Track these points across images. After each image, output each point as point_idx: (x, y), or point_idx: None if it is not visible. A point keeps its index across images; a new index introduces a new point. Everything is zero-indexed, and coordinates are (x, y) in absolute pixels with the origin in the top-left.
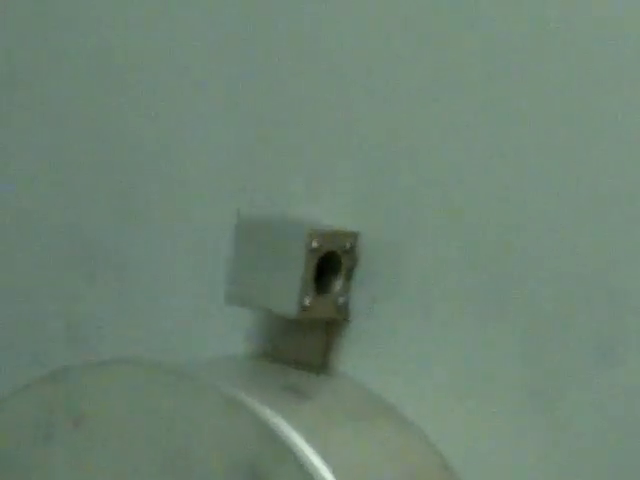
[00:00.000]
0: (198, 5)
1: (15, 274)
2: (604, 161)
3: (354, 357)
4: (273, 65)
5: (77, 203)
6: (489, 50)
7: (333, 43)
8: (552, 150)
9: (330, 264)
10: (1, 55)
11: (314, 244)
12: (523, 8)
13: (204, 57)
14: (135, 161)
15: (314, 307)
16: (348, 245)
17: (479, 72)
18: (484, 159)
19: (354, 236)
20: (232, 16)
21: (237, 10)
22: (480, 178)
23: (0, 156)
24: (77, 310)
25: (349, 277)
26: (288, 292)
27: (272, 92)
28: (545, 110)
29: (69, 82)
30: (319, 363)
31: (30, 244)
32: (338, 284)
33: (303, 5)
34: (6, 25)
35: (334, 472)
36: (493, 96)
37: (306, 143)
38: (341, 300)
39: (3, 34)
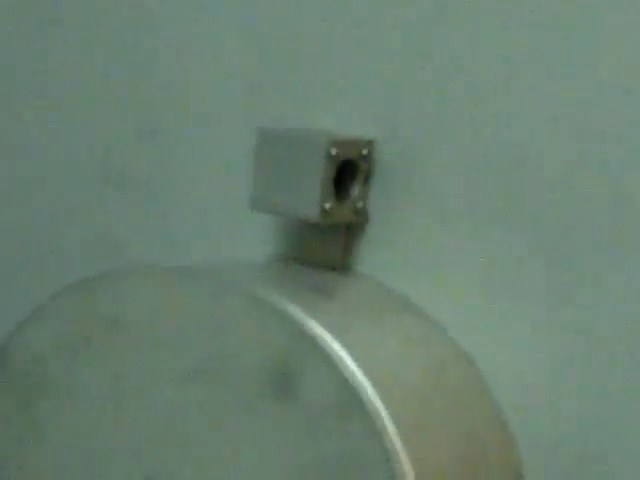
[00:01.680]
0: None
1: (49, 196)
2: (610, 89)
3: (373, 258)
4: None
5: (106, 125)
6: None
7: None
8: (564, 77)
9: (349, 170)
10: None
11: (333, 151)
12: None
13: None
14: (162, 83)
15: (334, 211)
16: (365, 152)
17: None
18: (500, 78)
19: (371, 143)
20: None
21: None
22: (496, 94)
23: (36, 84)
24: (108, 220)
25: (367, 183)
26: (309, 197)
27: (291, 13)
28: (549, 39)
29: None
30: (340, 265)
31: (63, 164)
32: (356, 189)
33: None
34: None
35: (360, 365)
36: (509, 22)
37: (324, 57)
38: (359, 204)
39: None
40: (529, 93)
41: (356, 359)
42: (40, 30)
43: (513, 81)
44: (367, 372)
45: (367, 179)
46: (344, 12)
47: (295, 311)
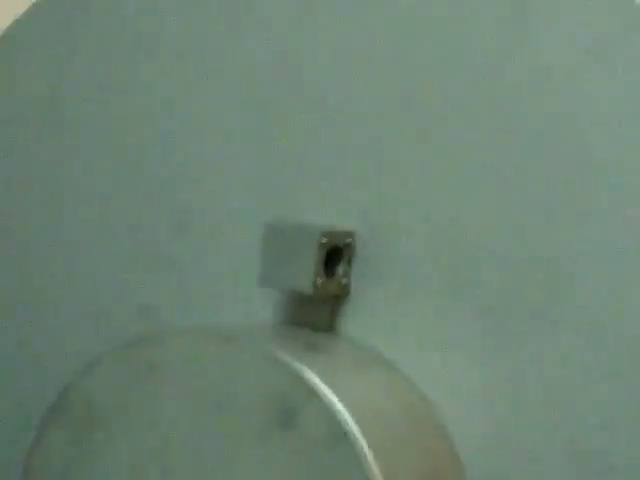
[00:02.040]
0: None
1: (98, 273)
2: (532, 166)
3: (353, 323)
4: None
5: (141, 220)
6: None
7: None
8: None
9: (335, 255)
10: None
11: (323, 240)
12: None
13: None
14: (183, 184)
15: (324, 286)
16: (348, 241)
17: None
18: (444, 183)
19: (352, 234)
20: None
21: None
22: (438, 197)
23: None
24: (148, 298)
25: (349, 264)
26: (305, 275)
27: (285, 130)
28: (478, 116)
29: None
30: (328, 328)
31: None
32: (341, 269)
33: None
34: None
35: (348, 407)
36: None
37: (315, 166)
38: (344, 280)
39: None
40: (468, 199)
41: (342, 400)
42: (56, 134)
43: (453, 193)
44: (351, 410)
45: (349, 261)
46: (329, 132)
47: (294, 363)
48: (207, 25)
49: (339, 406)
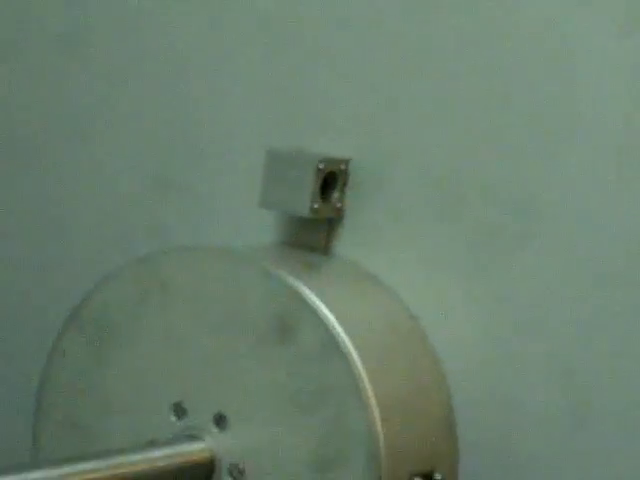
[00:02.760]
0: None
1: (118, 198)
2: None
3: (347, 245)
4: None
5: (158, 144)
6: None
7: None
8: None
9: (331, 180)
10: None
11: (320, 166)
12: None
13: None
14: (191, 113)
15: (320, 209)
16: (343, 167)
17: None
18: (445, 117)
19: (347, 161)
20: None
21: None
22: (429, 129)
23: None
24: (159, 219)
25: (343, 189)
26: (303, 199)
27: (290, 60)
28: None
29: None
30: (323, 248)
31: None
32: (336, 194)
33: None
34: None
35: (341, 321)
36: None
37: (317, 94)
38: (338, 205)
39: None
40: (453, 135)
41: (335, 315)
42: (71, 77)
43: (444, 121)
44: (343, 324)
45: (344, 186)
46: (330, 64)
47: (292, 280)
48: None
49: (332, 320)
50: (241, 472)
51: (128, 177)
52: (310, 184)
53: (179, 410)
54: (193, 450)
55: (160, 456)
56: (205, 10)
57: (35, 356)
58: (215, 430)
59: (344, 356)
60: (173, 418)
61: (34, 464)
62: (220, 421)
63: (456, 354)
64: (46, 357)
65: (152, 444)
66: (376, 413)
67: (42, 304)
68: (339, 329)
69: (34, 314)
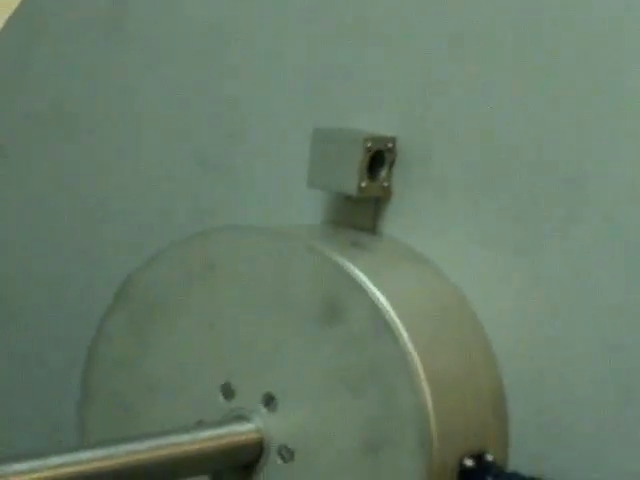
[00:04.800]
0: None
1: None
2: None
3: (394, 224)
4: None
5: (198, 127)
6: None
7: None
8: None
9: (378, 159)
10: None
11: (368, 145)
12: None
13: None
14: (235, 92)
15: (367, 188)
16: (390, 145)
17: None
18: (486, 97)
19: (394, 139)
20: None
21: None
22: (476, 109)
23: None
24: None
25: (391, 168)
26: (350, 177)
27: (337, 42)
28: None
29: None
30: (370, 228)
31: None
32: (383, 172)
33: None
34: None
35: (391, 300)
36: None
37: (363, 71)
38: (385, 184)
39: None
40: (500, 111)
41: (385, 294)
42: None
43: (492, 101)
44: (393, 304)
45: (391, 165)
46: (376, 42)
47: (341, 259)
48: None
49: (382, 299)
50: (291, 453)
51: (173, 158)
52: (357, 162)
53: (227, 391)
54: (242, 431)
55: (208, 437)
56: None
57: (81, 338)
58: (264, 411)
59: (394, 336)
60: (221, 399)
61: (82, 445)
62: (269, 402)
63: (506, 333)
64: (91, 339)
65: (200, 425)
66: (427, 394)
67: (88, 286)
68: (389, 309)
69: (80, 296)
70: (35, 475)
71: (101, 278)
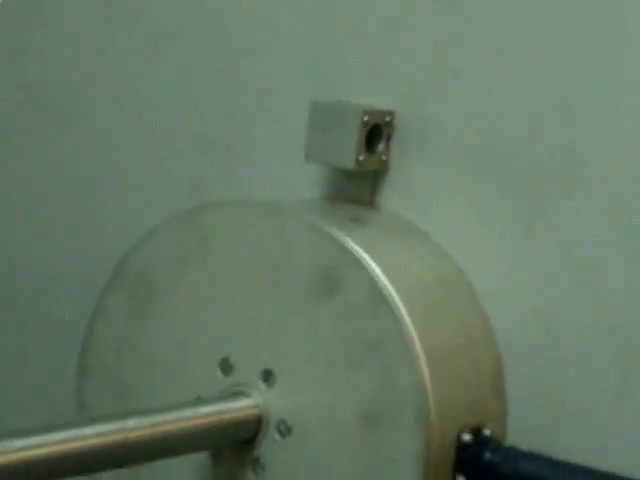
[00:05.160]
0: None
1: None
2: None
3: (392, 199)
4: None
5: (197, 104)
6: None
7: None
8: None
9: (376, 132)
10: None
11: (365, 118)
12: None
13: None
14: (233, 70)
15: (365, 162)
16: (388, 119)
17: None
18: (491, 79)
19: (392, 113)
20: None
21: None
22: (484, 91)
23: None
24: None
25: (388, 142)
26: (348, 151)
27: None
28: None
29: None
30: (368, 202)
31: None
32: (381, 146)
33: None
34: None
35: (388, 273)
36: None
37: (361, 50)
38: (383, 157)
39: None
40: (507, 92)
41: (382, 268)
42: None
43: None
44: (390, 277)
45: (389, 139)
46: (375, 16)
47: (338, 233)
48: None
49: (380, 273)
50: (289, 428)
51: (172, 137)
52: (355, 136)
53: (225, 366)
54: (241, 406)
55: (207, 413)
56: None
57: (80, 315)
58: (262, 386)
59: (392, 310)
60: (219, 375)
61: (81, 420)
62: (267, 377)
63: (503, 308)
64: (90, 316)
65: (199, 401)
66: (424, 368)
67: (86, 262)
68: (386, 282)
69: (78, 272)
70: (35, 450)
71: (100, 254)
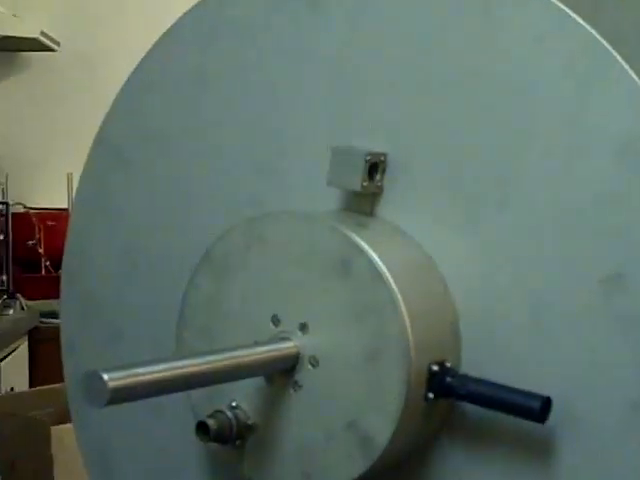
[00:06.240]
0: None
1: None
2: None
3: (385, 210)
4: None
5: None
6: None
7: None
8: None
9: (375, 166)
10: None
11: (367, 158)
12: None
13: None
14: (281, 127)
15: (368, 186)
16: (382, 159)
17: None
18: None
19: (385, 155)
20: None
21: None
22: (441, 133)
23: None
24: (259, 194)
25: (383, 173)
26: (356, 179)
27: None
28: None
29: None
30: (369, 213)
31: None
32: (378, 176)
33: None
34: None
35: (384, 260)
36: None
37: (366, 117)
38: (379, 183)
39: None
40: (457, 136)
41: (380, 256)
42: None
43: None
44: (385, 262)
45: (383, 171)
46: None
47: (350, 233)
48: None
49: (377, 259)
50: (317, 361)
51: (240, 169)
52: (361, 170)
53: (275, 320)
54: (285, 347)
55: (263, 351)
56: None
57: (175, 291)
58: (299, 334)
59: (385, 285)
60: (271, 326)
61: (181, 356)
62: (303, 327)
63: (460, 284)
64: (185, 289)
65: (257, 344)
66: (407, 323)
67: (182, 251)
68: (382, 266)
69: (177, 258)
70: (155, 374)
71: (192, 247)
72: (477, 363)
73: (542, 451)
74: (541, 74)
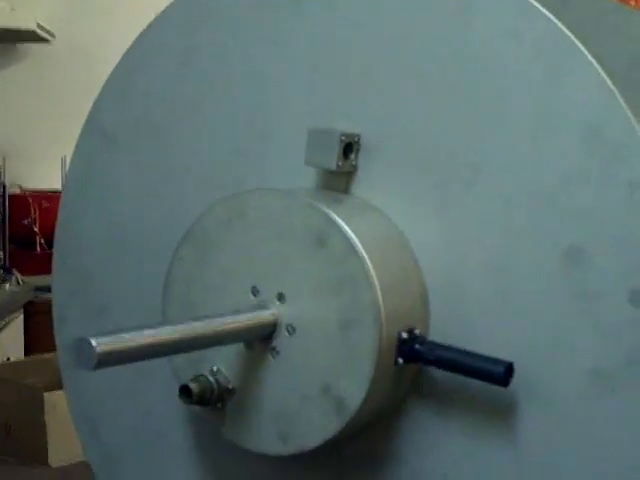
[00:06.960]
0: None
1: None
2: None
3: (359, 188)
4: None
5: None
6: None
7: None
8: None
9: (349, 146)
10: None
11: (342, 138)
12: None
13: None
14: (269, 118)
15: (343, 165)
16: (357, 139)
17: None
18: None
19: (358, 135)
20: None
21: None
22: (413, 116)
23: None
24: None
25: (357, 152)
26: (332, 158)
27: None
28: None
29: None
30: (344, 190)
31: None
32: (352, 155)
33: None
34: None
35: (357, 234)
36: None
37: (342, 94)
38: (353, 162)
39: None
40: (427, 120)
41: (353, 230)
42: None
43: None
44: (358, 236)
45: (357, 151)
46: (353, 89)
47: (325, 209)
48: None
49: (351, 234)
50: (294, 329)
51: (220, 145)
52: (336, 149)
53: (254, 291)
54: (264, 315)
55: (243, 319)
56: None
57: (160, 266)
58: (277, 303)
59: (358, 257)
60: (251, 296)
61: (165, 323)
62: (280, 297)
63: (428, 256)
64: (169, 262)
65: (237, 312)
66: (378, 292)
67: (169, 226)
68: (355, 239)
69: (164, 233)
70: (134, 341)
71: (176, 223)
72: (445, 332)
73: (505, 413)
74: (510, 61)
